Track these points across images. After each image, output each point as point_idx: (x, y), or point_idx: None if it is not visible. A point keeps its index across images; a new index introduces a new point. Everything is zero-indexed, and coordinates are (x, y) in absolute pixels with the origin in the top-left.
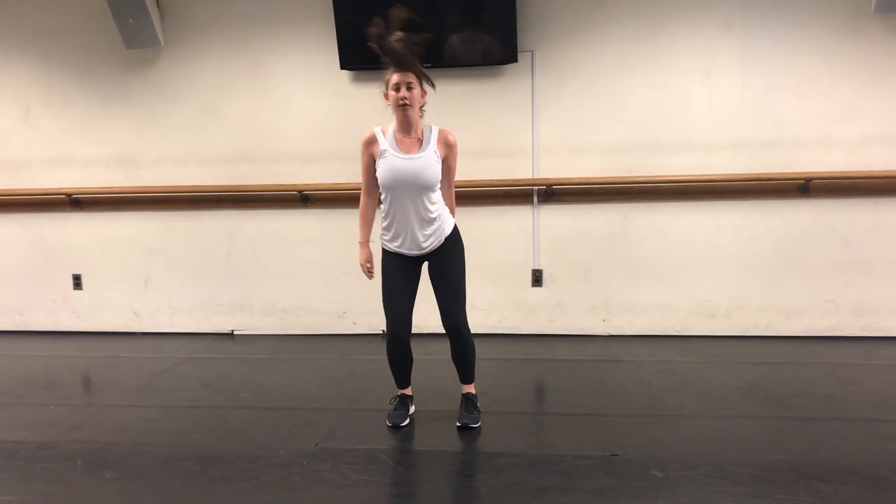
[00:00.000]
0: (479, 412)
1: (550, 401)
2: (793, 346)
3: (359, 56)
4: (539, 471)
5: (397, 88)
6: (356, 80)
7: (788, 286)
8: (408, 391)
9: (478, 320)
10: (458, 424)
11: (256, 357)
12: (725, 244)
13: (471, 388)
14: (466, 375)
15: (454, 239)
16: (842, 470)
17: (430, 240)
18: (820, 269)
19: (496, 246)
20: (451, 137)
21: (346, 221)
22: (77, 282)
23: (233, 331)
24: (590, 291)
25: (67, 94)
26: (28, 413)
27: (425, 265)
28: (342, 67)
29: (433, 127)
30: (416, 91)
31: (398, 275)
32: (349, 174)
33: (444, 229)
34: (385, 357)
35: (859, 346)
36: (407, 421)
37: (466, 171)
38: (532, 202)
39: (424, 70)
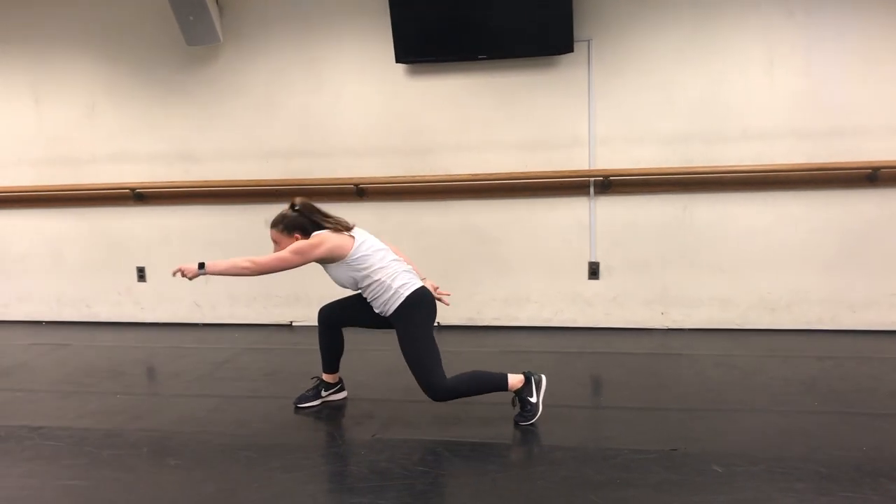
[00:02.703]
0: (531, 408)
1: (607, 394)
2: (858, 341)
3: (414, 49)
4: (596, 464)
5: None
6: (411, 73)
7: (854, 278)
8: (329, 377)
9: (532, 313)
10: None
11: (314, 348)
12: (787, 235)
13: (515, 386)
14: (497, 390)
15: (401, 314)
16: None
17: (376, 307)
18: (887, 260)
19: (551, 238)
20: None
21: (401, 215)
22: (141, 274)
23: (291, 322)
24: (647, 284)
25: (130, 91)
26: (95, 401)
27: None
28: (398, 61)
29: None
30: (278, 246)
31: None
32: (404, 168)
33: (387, 304)
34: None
35: None
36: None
37: (521, 163)
38: (588, 194)
39: (287, 231)
